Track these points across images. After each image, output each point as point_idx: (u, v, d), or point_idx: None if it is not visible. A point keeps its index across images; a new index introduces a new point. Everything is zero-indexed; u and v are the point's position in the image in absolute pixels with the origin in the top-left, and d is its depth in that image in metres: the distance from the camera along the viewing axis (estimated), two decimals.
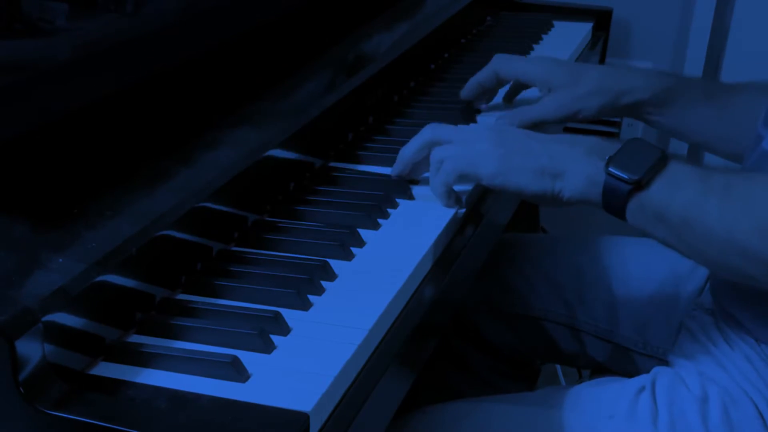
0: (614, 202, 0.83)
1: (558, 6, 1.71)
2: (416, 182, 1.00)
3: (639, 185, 0.81)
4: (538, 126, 1.14)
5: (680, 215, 0.80)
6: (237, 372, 0.67)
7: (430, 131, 0.94)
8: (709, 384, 0.94)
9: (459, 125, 0.97)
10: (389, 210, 0.94)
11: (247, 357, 0.68)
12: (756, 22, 1.80)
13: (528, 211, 1.77)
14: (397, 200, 0.95)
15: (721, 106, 1.09)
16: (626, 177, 0.81)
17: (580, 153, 0.85)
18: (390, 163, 1.04)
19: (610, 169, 0.82)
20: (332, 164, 1.03)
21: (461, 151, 0.90)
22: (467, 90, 1.18)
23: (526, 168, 0.86)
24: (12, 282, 0.66)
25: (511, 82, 1.20)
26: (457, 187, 0.93)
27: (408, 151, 0.96)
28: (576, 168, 0.85)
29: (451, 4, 1.45)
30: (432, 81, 1.31)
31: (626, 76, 1.12)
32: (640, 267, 1.17)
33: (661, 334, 1.12)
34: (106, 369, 0.69)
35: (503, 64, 1.16)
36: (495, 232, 1.08)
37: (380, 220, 0.91)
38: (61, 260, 0.69)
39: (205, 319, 0.74)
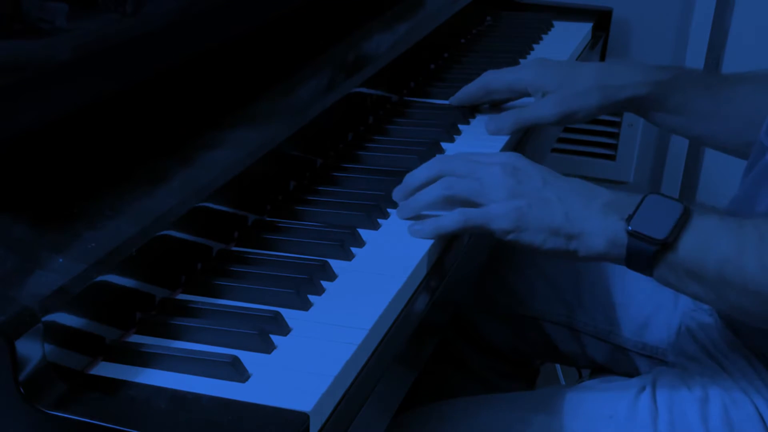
0: (640, 262, 0.80)
1: (558, 6, 1.71)
2: None
3: (666, 246, 0.78)
4: (537, 127, 1.14)
5: (717, 273, 0.78)
6: (237, 372, 0.67)
7: (440, 165, 0.89)
8: (709, 385, 0.94)
9: (471, 157, 0.89)
10: (389, 210, 0.93)
11: (247, 357, 0.68)
12: (756, 22, 1.80)
13: None
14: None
15: (720, 99, 1.08)
16: (651, 237, 0.78)
17: (597, 211, 0.82)
18: (390, 162, 1.04)
19: (631, 228, 0.79)
20: (332, 163, 1.03)
21: (473, 197, 0.86)
22: (457, 100, 1.18)
23: (541, 228, 0.83)
24: (12, 282, 0.66)
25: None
26: None
27: (415, 181, 0.90)
28: (594, 229, 0.81)
29: (451, 4, 1.45)
30: (432, 81, 1.31)
31: (623, 71, 1.11)
32: None
33: (660, 334, 1.12)
34: (106, 369, 0.69)
35: (493, 77, 1.15)
36: None
37: (380, 220, 0.91)
38: (61, 260, 0.69)
39: (205, 319, 0.74)
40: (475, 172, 0.86)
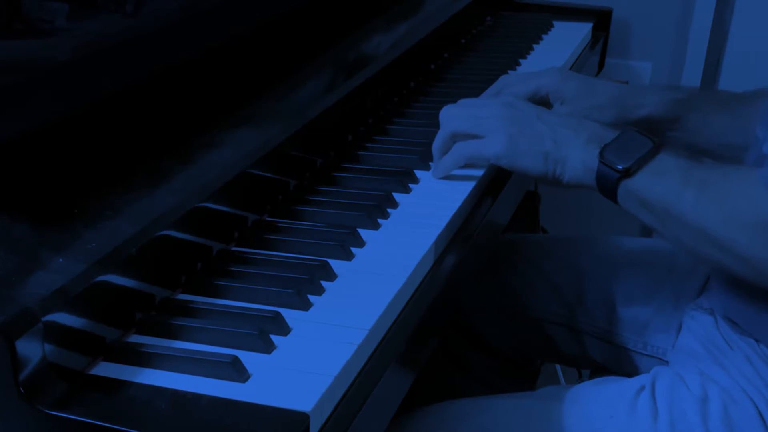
0: (606, 186, 0.88)
1: (558, 6, 1.71)
2: (416, 182, 1.00)
3: (627, 173, 0.86)
4: None
5: (661, 204, 0.86)
6: (237, 372, 0.67)
7: (448, 124, 0.99)
8: (709, 384, 0.94)
9: (473, 102, 1.01)
10: (389, 210, 0.94)
11: (247, 357, 0.68)
12: (756, 23, 1.80)
13: (528, 211, 1.77)
14: (398, 200, 0.95)
15: (735, 116, 1.08)
16: (616, 165, 0.87)
17: (582, 141, 0.90)
18: (389, 162, 1.04)
19: (602, 156, 0.88)
20: (332, 163, 1.03)
21: (473, 131, 0.96)
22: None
23: (532, 152, 0.92)
24: (12, 282, 0.66)
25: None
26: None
27: (435, 147, 1.01)
28: (575, 155, 0.90)
29: (451, 4, 1.45)
30: (432, 81, 1.31)
31: (638, 91, 1.12)
32: (639, 267, 1.17)
33: (660, 334, 1.12)
34: (106, 369, 0.69)
35: (514, 81, 1.13)
36: (495, 233, 1.08)
37: (380, 220, 0.91)
38: (61, 260, 0.69)
39: (205, 319, 0.74)
40: (476, 112, 0.97)
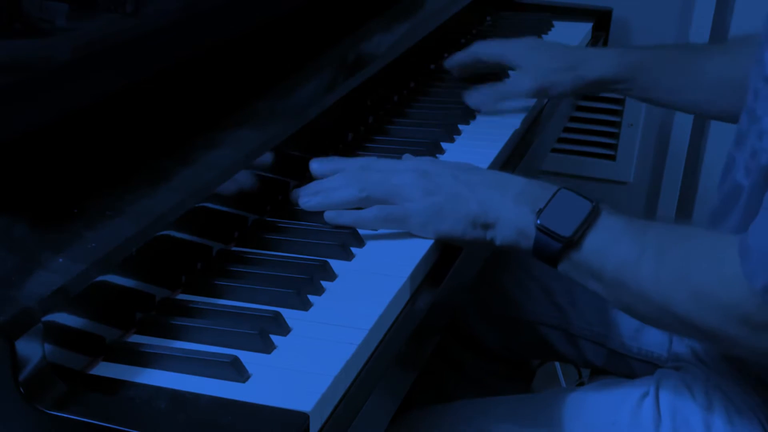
0: (546, 255, 0.82)
1: (558, 6, 1.71)
2: None
3: (570, 243, 0.80)
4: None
5: (614, 275, 0.79)
6: (237, 372, 0.67)
7: (357, 182, 0.89)
8: (713, 392, 0.93)
9: (383, 163, 0.92)
10: None
11: (247, 357, 0.68)
12: (756, 22, 1.80)
13: None
14: None
15: (688, 74, 1.15)
16: (557, 234, 0.80)
17: (510, 201, 0.84)
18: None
19: (539, 223, 0.81)
20: None
21: (388, 199, 0.87)
22: (449, 64, 1.28)
23: (459, 219, 0.85)
24: (12, 282, 0.66)
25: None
26: None
27: (345, 202, 0.89)
28: (506, 217, 0.83)
29: (451, 4, 1.45)
30: (432, 81, 1.31)
31: (592, 55, 1.19)
32: None
33: (655, 338, 1.11)
34: (106, 369, 0.69)
35: (483, 48, 1.23)
36: None
37: None
38: (61, 260, 0.69)
39: (205, 319, 0.74)
40: (389, 179, 0.88)
